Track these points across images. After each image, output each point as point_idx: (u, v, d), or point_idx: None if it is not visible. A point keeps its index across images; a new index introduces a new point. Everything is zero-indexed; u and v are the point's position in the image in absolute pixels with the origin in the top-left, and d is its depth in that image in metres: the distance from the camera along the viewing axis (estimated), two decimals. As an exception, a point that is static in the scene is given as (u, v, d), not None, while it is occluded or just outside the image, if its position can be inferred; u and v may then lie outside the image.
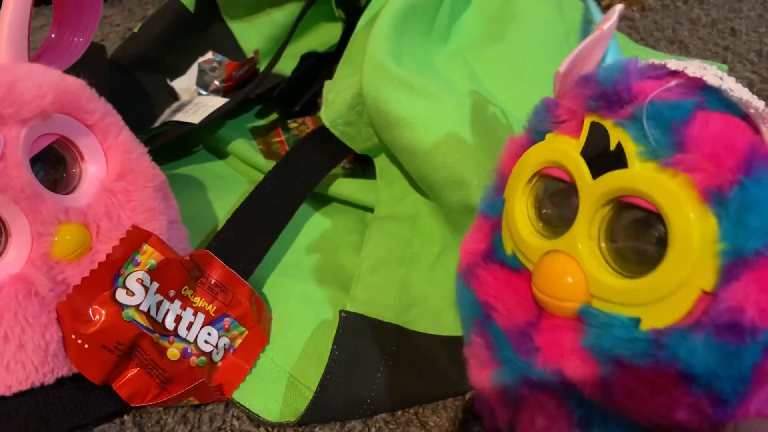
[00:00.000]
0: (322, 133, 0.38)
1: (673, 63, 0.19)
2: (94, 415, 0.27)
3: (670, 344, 0.17)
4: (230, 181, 0.43)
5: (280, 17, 0.48)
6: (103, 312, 0.26)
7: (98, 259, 0.27)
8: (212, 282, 0.29)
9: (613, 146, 0.19)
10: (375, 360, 0.30)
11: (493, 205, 0.25)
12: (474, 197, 0.32)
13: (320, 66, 0.47)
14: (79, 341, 0.25)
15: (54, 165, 0.28)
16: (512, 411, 0.22)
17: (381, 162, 0.40)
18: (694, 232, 0.17)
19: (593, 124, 0.20)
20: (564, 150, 0.21)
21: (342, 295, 0.34)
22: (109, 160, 0.29)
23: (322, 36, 0.50)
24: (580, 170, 0.20)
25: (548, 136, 0.22)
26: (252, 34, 0.49)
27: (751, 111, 0.17)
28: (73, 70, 0.29)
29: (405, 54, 0.36)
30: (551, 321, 0.21)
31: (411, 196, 0.39)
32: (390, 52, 0.35)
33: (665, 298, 0.17)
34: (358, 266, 0.35)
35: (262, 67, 0.48)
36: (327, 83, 0.40)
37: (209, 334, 0.29)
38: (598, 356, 0.19)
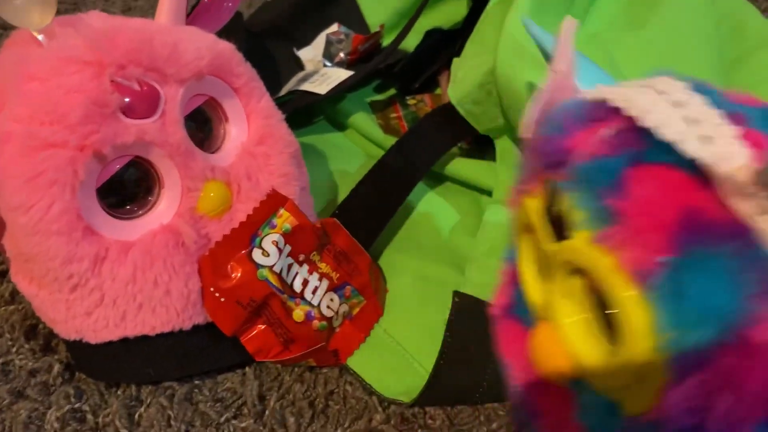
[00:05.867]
0: (446, 110, 0.38)
1: (619, 93, 0.14)
2: (220, 363, 0.29)
3: None
4: (348, 152, 0.43)
5: (408, -8, 0.48)
6: (240, 269, 0.27)
7: (236, 217, 0.28)
8: (338, 250, 0.30)
9: (562, 211, 0.16)
10: (489, 346, 0.30)
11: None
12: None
13: (443, 43, 0.46)
14: (217, 294, 0.27)
15: (201, 124, 0.29)
16: None
17: (502, 144, 0.39)
18: (631, 321, 0.14)
19: (547, 183, 0.17)
20: (533, 208, 0.18)
21: (455, 276, 0.34)
22: (251, 124, 0.30)
23: (448, 13, 0.49)
24: (544, 235, 0.17)
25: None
26: (378, 7, 0.49)
27: (700, 162, 0.13)
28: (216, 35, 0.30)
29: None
30: (551, 387, 0.18)
31: (531, 182, 0.38)
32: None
33: (634, 384, 0.15)
34: (475, 248, 0.34)
35: (385, 42, 0.48)
36: (455, 60, 0.39)
37: (332, 299, 0.30)
38: None
